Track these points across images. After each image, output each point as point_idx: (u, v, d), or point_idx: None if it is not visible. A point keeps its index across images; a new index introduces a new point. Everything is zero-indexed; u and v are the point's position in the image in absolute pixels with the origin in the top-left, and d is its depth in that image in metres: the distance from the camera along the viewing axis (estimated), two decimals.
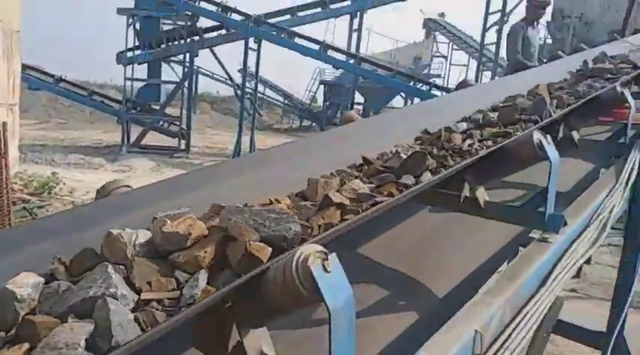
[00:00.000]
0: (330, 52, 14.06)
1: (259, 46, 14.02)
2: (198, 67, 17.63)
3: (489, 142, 1.81)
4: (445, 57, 28.75)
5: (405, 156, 1.53)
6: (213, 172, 1.57)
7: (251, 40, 14.05)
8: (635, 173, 2.10)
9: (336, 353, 0.77)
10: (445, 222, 1.86)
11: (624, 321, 2.53)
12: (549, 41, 16.19)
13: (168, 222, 1.02)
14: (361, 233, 1.49)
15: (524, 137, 1.53)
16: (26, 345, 0.80)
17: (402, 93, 20.54)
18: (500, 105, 2.34)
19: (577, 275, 7.17)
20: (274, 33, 14.24)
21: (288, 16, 15.09)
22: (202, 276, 0.94)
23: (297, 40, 14.00)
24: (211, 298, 0.83)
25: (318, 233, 1.09)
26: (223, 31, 15.27)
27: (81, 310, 0.85)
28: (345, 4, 15.14)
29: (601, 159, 2.34)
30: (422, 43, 29.38)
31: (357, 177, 1.47)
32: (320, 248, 0.80)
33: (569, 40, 13.43)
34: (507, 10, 14.22)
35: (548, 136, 1.52)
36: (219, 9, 14.56)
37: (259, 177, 1.55)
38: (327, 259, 0.78)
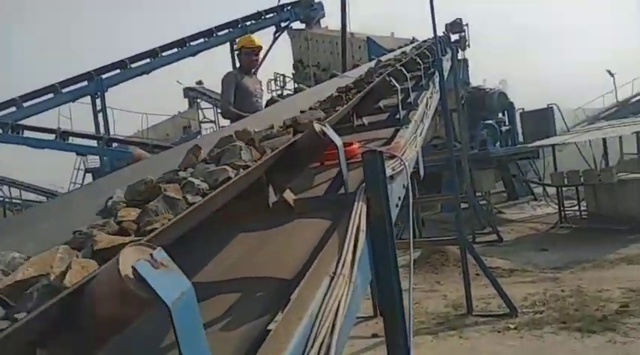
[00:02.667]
0: (76, 139, 12.44)
1: None
2: None
3: None
4: (213, 121, 28.79)
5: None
6: None
7: None
8: (363, 234, 1.51)
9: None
10: None
11: None
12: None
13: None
14: None
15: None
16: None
17: None
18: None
19: (375, 314, 6.93)
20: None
21: (13, 109, 13.02)
22: None
23: (27, 133, 12.10)
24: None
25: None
26: None
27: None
28: (80, 85, 13.70)
29: (322, 223, 1.74)
30: (187, 112, 29.01)
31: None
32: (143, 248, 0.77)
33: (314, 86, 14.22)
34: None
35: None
36: None
37: None
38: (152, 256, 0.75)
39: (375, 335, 5.83)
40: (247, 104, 4.43)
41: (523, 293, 6.75)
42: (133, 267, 0.73)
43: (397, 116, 3.06)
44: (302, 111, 3.26)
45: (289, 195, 1.77)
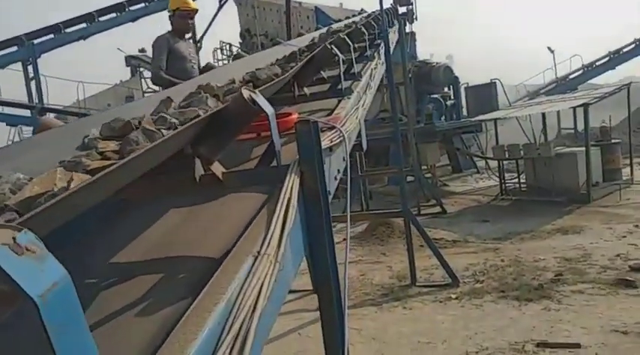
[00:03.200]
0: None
1: None
2: None
3: None
4: (157, 91, 27.71)
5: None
6: None
7: None
8: (293, 210, 1.41)
9: None
10: None
11: None
12: None
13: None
14: None
15: None
16: None
17: None
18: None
19: None
20: None
21: None
22: None
23: None
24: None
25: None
26: None
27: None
28: (10, 51, 12.75)
29: (253, 198, 1.63)
30: (130, 81, 27.82)
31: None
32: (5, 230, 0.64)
33: None
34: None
35: None
36: None
37: None
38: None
39: None
40: (181, 70, 4.19)
41: (465, 264, 6.93)
42: None
43: (339, 87, 2.96)
44: (258, 69, 3.10)
45: (218, 168, 1.64)
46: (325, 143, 1.89)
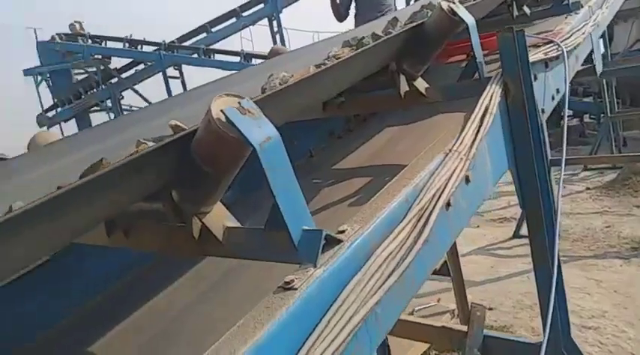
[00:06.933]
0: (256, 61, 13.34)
1: (181, 73, 13.35)
2: (131, 106, 16.04)
3: None
4: None
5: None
6: None
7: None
8: (490, 117, 1.43)
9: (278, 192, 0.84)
10: None
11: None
12: None
13: None
14: None
15: None
16: None
17: None
18: None
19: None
20: (195, 55, 13.54)
21: (204, 34, 14.32)
22: None
23: (217, 56, 13.35)
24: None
25: None
26: (142, 66, 14.40)
27: None
28: (257, 8, 14.43)
29: (456, 111, 1.67)
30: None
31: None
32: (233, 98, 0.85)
33: None
34: None
35: None
36: (127, 44, 13.71)
37: None
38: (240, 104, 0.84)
39: None
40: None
41: None
42: (222, 111, 0.81)
43: (565, 2, 2.68)
44: None
45: (421, 84, 1.72)
46: (538, 56, 1.81)
